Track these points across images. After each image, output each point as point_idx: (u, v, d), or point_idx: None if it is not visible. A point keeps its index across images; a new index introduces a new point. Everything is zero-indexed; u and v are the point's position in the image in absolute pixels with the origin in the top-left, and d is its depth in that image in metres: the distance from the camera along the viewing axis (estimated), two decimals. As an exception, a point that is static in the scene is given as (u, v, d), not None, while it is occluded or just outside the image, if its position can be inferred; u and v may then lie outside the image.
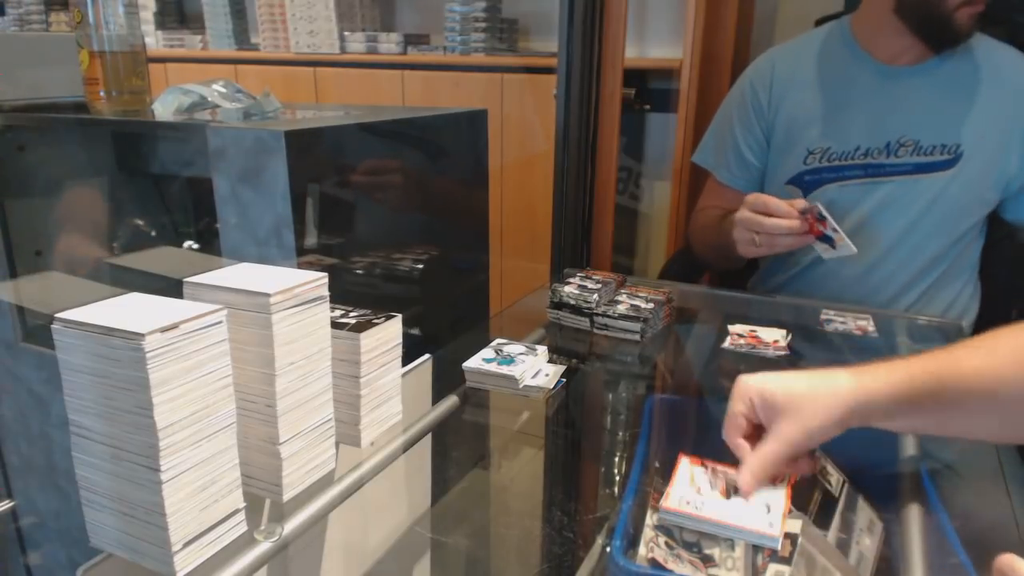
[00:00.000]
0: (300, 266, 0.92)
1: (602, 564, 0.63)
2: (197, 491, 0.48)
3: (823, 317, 1.10)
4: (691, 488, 0.58)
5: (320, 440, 0.60)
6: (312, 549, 0.64)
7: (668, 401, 0.87)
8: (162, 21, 3.13)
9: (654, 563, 0.54)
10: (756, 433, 0.61)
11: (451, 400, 0.83)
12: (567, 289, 1.08)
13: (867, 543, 0.60)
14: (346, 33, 2.60)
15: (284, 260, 0.93)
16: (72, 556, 1.32)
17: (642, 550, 0.56)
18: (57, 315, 0.46)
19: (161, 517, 0.46)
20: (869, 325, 1.07)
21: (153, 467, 0.46)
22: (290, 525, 0.58)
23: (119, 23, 1.10)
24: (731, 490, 0.58)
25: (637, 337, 1.02)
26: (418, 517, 0.79)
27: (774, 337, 1.01)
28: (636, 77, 2.19)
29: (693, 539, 0.55)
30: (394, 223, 1.15)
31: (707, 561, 0.54)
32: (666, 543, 0.55)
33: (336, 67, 2.56)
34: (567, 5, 1.31)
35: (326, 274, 0.57)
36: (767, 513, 0.55)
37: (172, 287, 0.55)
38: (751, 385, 0.61)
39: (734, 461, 0.60)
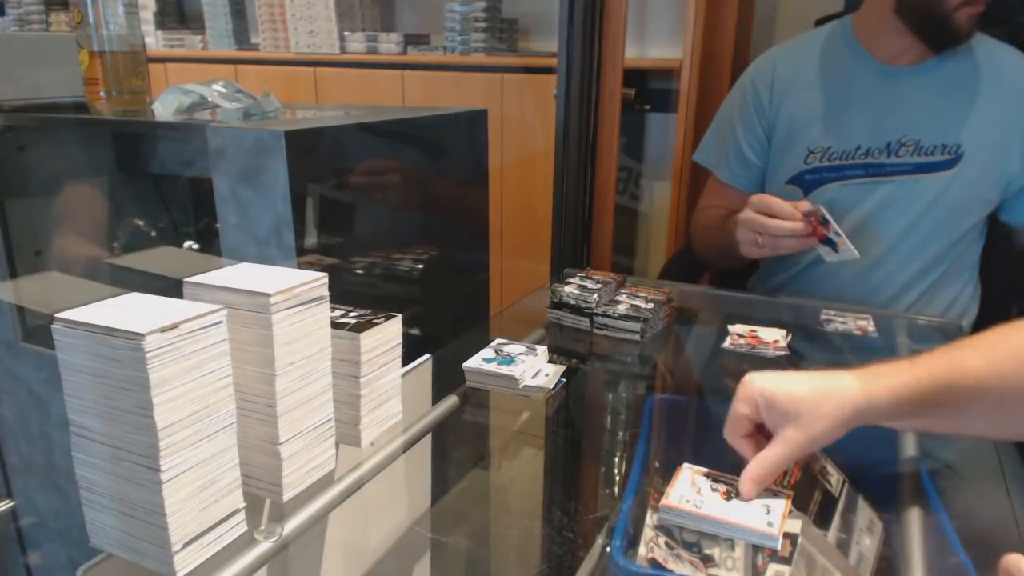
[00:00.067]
0: (300, 266, 0.92)
1: (602, 564, 0.63)
2: (197, 491, 0.48)
3: (823, 317, 1.10)
4: (691, 488, 0.58)
5: (320, 440, 0.60)
6: (312, 549, 0.64)
7: (668, 401, 0.87)
8: (162, 21, 3.13)
9: (654, 563, 0.54)
10: (758, 433, 0.61)
11: (451, 400, 0.83)
12: (567, 289, 1.08)
13: (867, 543, 0.60)
14: (346, 33, 2.60)
15: (284, 260, 0.93)
16: (72, 556, 1.32)
17: (642, 550, 0.56)
18: (57, 315, 0.46)
19: (161, 517, 0.46)
20: (869, 325, 1.07)
21: (153, 467, 0.46)
22: (290, 525, 0.58)
23: (119, 23, 1.10)
24: (732, 493, 0.58)
25: (637, 337, 1.02)
26: (418, 517, 0.79)
27: (774, 337, 1.01)
28: (636, 77, 2.19)
29: (693, 539, 0.55)
30: (394, 223, 1.15)
31: (707, 561, 0.54)
32: (666, 543, 0.55)
33: (336, 67, 2.56)
34: (567, 5, 1.31)
35: (326, 274, 0.57)
36: (767, 513, 0.55)
37: (172, 287, 0.55)
38: (756, 387, 0.60)
39: (735, 465, 0.60)
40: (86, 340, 0.45)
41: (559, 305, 1.07)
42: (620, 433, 0.90)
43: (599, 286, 1.09)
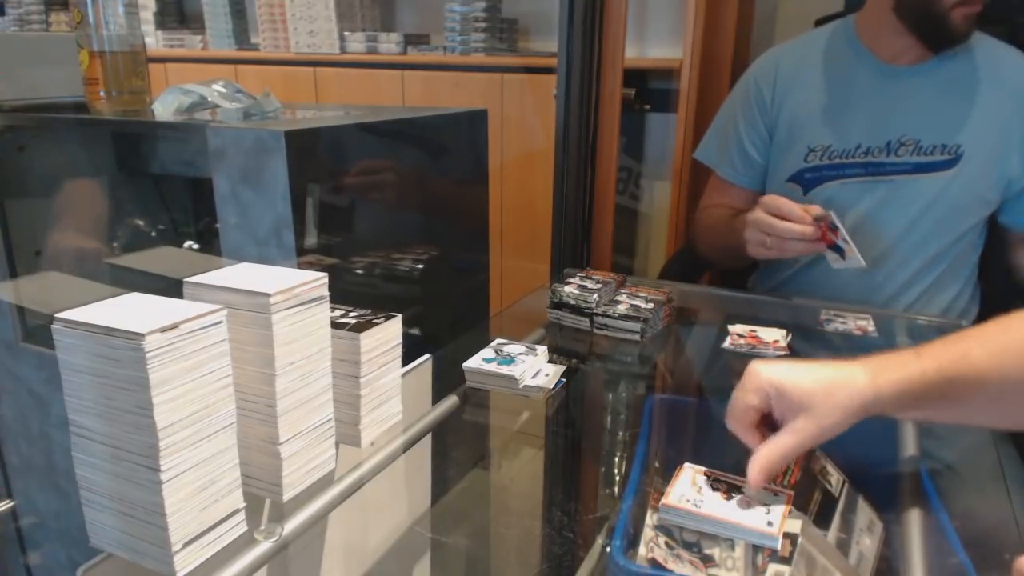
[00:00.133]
0: (300, 266, 0.92)
1: (602, 564, 0.63)
2: (197, 491, 0.48)
3: (823, 317, 1.10)
4: (692, 488, 0.58)
5: (320, 440, 0.60)
6: (312, 549, 0.64)
7: (668, 401, 0.87)
8: (162, 21, 3.13)
9: (654, 563, 0.54)
10: (762, 423, 0.61)
11: (451, 400, 0.83)
12: (567, 289, 1.08)
13: (867, 543, 0.60)
14: (346, 33, 2.60)
15: (284, 260, 0.93)
16: (72, 556, 1.32)
17: (642, 550, 0.56)
18: (57, 315, 0.46)
19: (161, 517, 0.46)
20: (869, 325, 1.07)
21: (153, 467, 0.46)
22: (290, 525, 0.58)
23: (119, 23, 1.10)
24: (732, 493, 0.58)
25: (637, 337, 1.02)
26: (418, 517, 0.79)
27: (774, 337, 1.01)
28: (636, 77, 2.19)
29: (693, 539, 0.55)
30: (394, 223, 1.15)
31: (707, 561, 0.54)
32: (666, 543, 0.55)
33: (336, 67, 2.56)
34: (567, 5, 1.31)
35: (326, 274, 0.57)
36: (767, 513, 0.55)
37: (172, 287, 0.55)
38: (765, 378, 0.60)
39: (735, 465, 0.60)
40: (86, 340, 0.45)
41: (559, 305, 1.07)
42: (620, 433, 0.90)
43: (599, 286, 1.09)
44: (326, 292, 0.57)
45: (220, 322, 0.48)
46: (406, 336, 0.67)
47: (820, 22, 1.44)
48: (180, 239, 1.34)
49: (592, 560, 0.64)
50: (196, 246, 1.32)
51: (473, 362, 0.88)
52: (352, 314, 0.65)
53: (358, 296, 1.09)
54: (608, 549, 0.63)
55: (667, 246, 2.09)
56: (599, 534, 0.68)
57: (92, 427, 0.48)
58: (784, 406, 0.59)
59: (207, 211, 1.29)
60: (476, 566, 0.72)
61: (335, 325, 0.61)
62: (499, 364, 0.87)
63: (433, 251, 1.20)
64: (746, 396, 0.60)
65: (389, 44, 2.55)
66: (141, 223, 1.31)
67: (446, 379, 0.84)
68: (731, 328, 1.04)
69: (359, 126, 1.05)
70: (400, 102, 2.43)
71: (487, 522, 0.79)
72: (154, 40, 3.04)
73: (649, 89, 2.25)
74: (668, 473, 0.61)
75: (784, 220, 1.04)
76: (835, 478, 0.62)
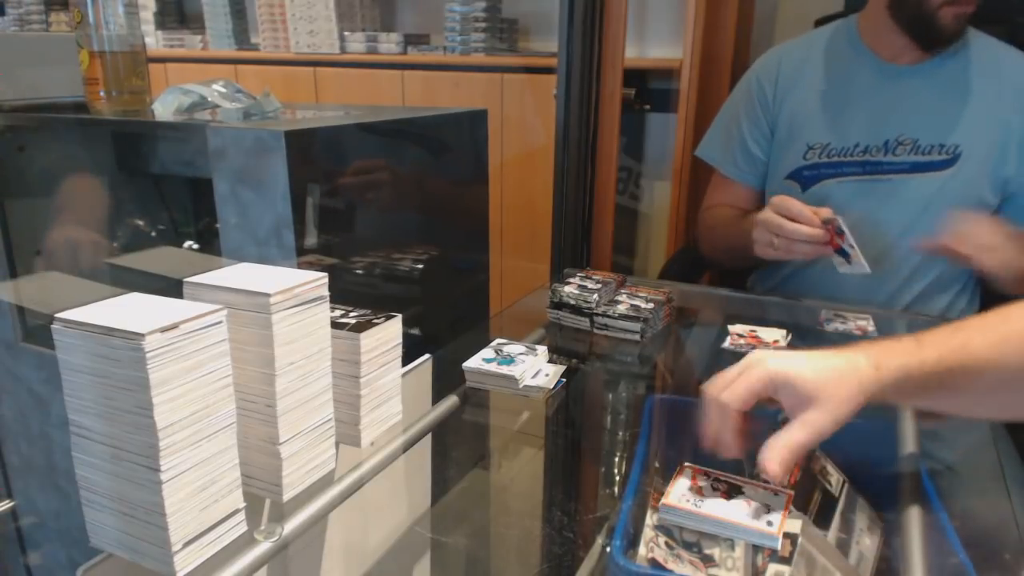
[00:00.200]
0: (300, 266, 0.92)
1: (602, 564, 0.63)
2: (197, 491, 0.48)
3: (823, 317, 1.10)
4: (691, 488, 0.58)
5: (320, 440, 0.60)
6: (312, 549, 0.64)
7: (668, 401, 0.87)
8: (162, 21, 3.13)
9: (654, 563, 0.54)
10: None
11: (451, 400, 0.83)
12: (567, 289, 1.08)
13: (867, 543, 0.60)
14: (346, 33, 2.60)
15: (284, 260, 0.93)
16: (72, 556, 1.32)
17: (642, 550, 0.56)
18: (57, 315, 0.46)
19: (161, 517, 0.46)
20: (869, 325, 1.07)
21: (153, 467, 0.46)
22: (290, 525, 0.58)
23: (119, 23, 1.10)
24: (732, 493, 0.58)
25: (637, 337, 1.02)
26: (418, 517, 0.79)
27: (774, 337, 1.01)
28: (636, 77, 2.19)
29: (693, 539, 0.55)
30: (394, 223, 1.15)
31: (707, 561, 0.54)
32: (666, 543, 0.55)
33: (336, 67, 2.56)
34: (567, 5, 1.31)
35: (326, 274, 0.57)
36: (767, 513, 0.55)
37: (172, 287, 0.55)
38: (774, 369, 0.58)
39: (736, 465, 0.60)
40: (86, 340, 0.45)
41: (559, 305, 1.07)
42: (620, 433, 0.90)
43: (599, 286, 1.09)
44: (326, 292, 0.57)
45: (220, 322, 0.48)
46: (406, 336, 0.67)
47: (820, 22, 1.44)
48: (180, 239, 1.34)
49: (592, 560, 0.64)
50: (196, 246, 1.32)
51: (473, 362, 0.88)
52: (352, 314, 0.65)
53: (358, 296, 1.09)
54: (608, 549, 0.63)
55: (667, 246, 2.09)
56: (599, 534, 0.68)
57: (92, 427, 0.48)
58: (791, 398, 0.58)
59: (207, 211, 1.29)
60: (476, 566, 0.72)
61: (335, 325, 0.61)
62: (499, 364, 0.87)
63: (433, 251, 1.20)
64: (751, 383, 0.59)
65: (389, 44, 2.55)
66: (141, 223, 1.31)
67: (446, 379, 0.84)
68: (731, 328, 1.04)
69: (359, 126, 1.05)
70: (400, 102, 2.43)
71: (487, 522, 0.79)
72: (154, 40, 3.04)
73: (649, 89, 2.25)
74: (668, 473, 0.61)
75: (793, 222, 1.04)
76: (835, 478, 0.62)
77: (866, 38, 1.20)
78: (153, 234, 1.31)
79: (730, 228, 1.26)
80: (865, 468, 0.68)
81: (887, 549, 0.61)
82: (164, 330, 0.44)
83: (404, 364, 0.70)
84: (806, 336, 1.06)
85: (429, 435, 0.78)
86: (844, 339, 1.05)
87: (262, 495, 0.57)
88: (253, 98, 1.13)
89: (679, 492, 0.57)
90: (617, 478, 0.81)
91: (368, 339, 0.62)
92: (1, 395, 1.26)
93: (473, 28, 2.37)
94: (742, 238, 1.15)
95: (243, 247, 0.96)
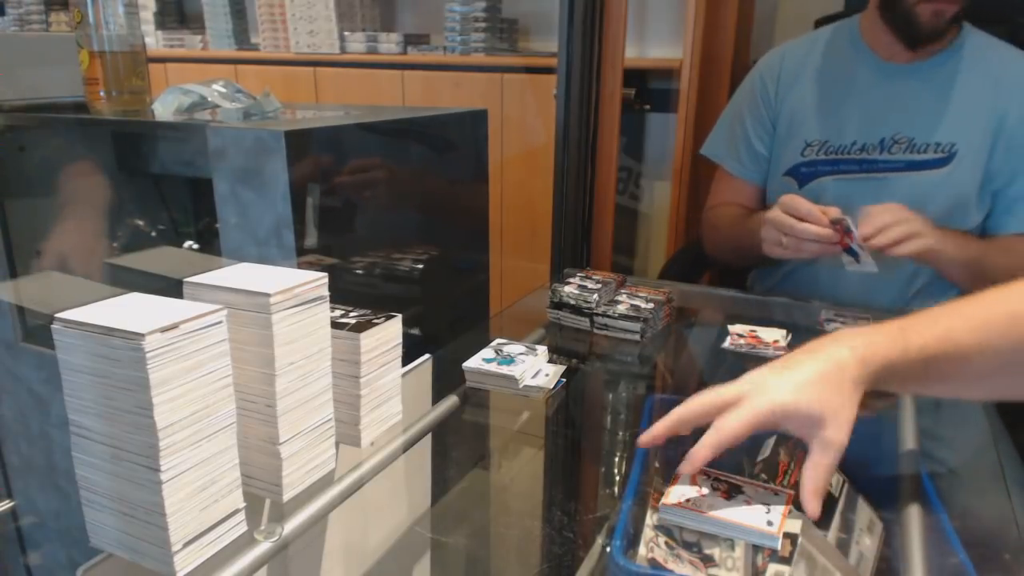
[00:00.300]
0: (300, 266, 0.92)
1: (602, 564, 0.63)
2: (197, 491, 0.48)
3: (823, 317, 1.10)
4: (692, 488, 0.58)
5: (320, 440, 0.60)
6: (312, 549, 0.64)
7: (668, 401, 0.87)
8: (162, 21, 3.13)
9: (654, 563, 0.54)
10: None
11: (451, 400, 0.83)
12: (567, 289, 1.08)
13: (867, 543, 0.60)
14: (346, 33, 2.60)
15: (284, 260, 0.93)
16: (72, 556, 1.32)
17: (642, 550, 0.56)
18: (57, 315, 0.46)
19: (161, 517, 0.46)
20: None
21: (153, 467, 0.46)
22: (290, 525, 0.58)
23: (119, 23, 1.10)
24: (732, 493, 0.57)
25: (637, 337, 1.02)
26: (418, 517, 0.79)
27: (774, 337, 1.01)
28: (636, 77, 2.19)
29: (693, 539, 0.55)
30: (394, 223, 1.15)
31: (707, 561, 0.54)
32: (666, 543, 0.55)
33: (336, 67, 2.56)
34: (567, 5, 1.31)
35: (326, 274, 0.57)
36: (767, 513, 0.55)
37: (172, 287, 0.55)
38: (770, 407, 0.56)
39: (736, 465, 0.60)
40: (86, 340, 0.45)
41: (559, 305, 1.07)
42: (620, 433, 0.90)
43: (599, 286, 1.09)
44: (326, 292, 0.57)
45: (220, 322, 0.48)
46: (406, 336, 0.67)
47: (820, 22, 1.45)
48: (180, 239, 1.34)
49: (592, 560, 0.64)
50: (196, 246, 1.32)
51: (473, 362, 0.88)
52: (352, 314, 0.65)
53: (358, 296, 1.09)
54: (608, 549, 0.63)
55: (667, 246, 2.09)
56: (599, 534, 0.68)
57: (92, 427, 0.48)
58: (798, 424, 0.57)
59: (207, 211, 1.29)
60: (476, 566, 0.72)
61: (335, 325, 0.61)
62: (499, 364, 0.87)
63: (433, 251, 1.20)
64: (754, 420, 0.56)
65: (389, 44, 2.55)
66: (141, 223, 1.31)
67: (446, 379, 0.84)
68: (731, 328, 1.04)
69: (359, 126, 1.05)
70: (400, 102, 2.43)
71: (487, 522, 0.79)
72: (154, 40, 3.04)
73: (649, 89, 2.25)
74: (668, 473, 0.61)
75: (802, 221, 1.04)
76: (835, 478, 0.62)
77: (866, 37, 1.20)
78: (153, 234, 1.31)
79: (736, 227, 1.26)
80: (865, 468, 0.68)
81: (887, 549, 0.61)
82: (164, 330, 0.44)
83: (404, 364, 0.70)
84: (806, 336, 1.05)
85: (429, 435, 0.78)
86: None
87: (262, 495, 0.57)
88: (253, 98, 1.13)
89: (679, 492, 0.57)
90: (617, 478, 0.81)
91: (368, 339, 0.62)
92: (1, 395, 1.26)
93: (473, 28, 2.38)
94: (749, 237, 1.15)
95: (243, 247, 0.96)
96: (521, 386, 0.85)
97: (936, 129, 1.15)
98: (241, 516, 0.53)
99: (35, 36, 1.93)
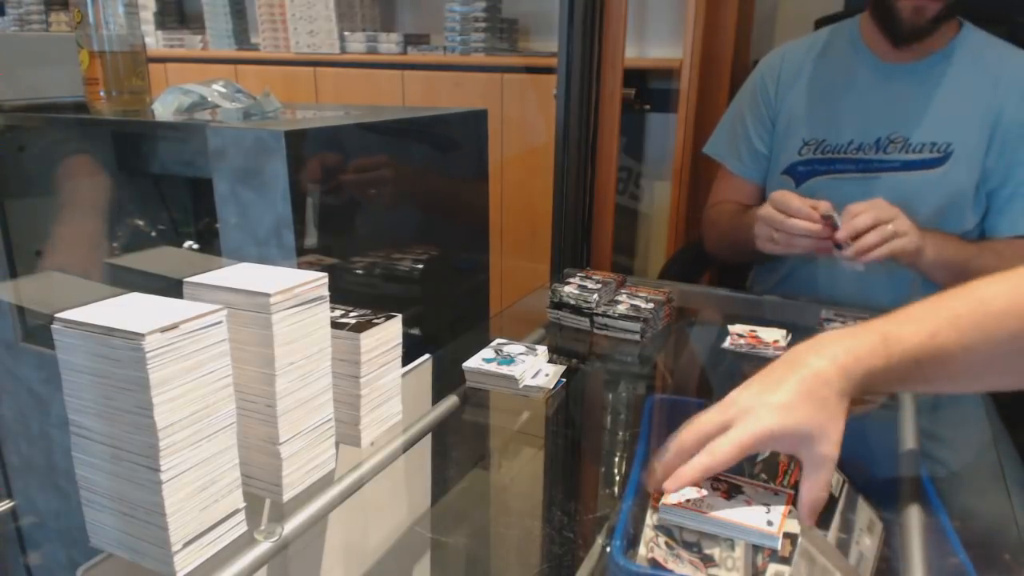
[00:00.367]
0: (300, 266, 0.92)
1: (602, 564, 0.63)
2: (197, 491, 0.48)
3: (823, 317, 1.10)
4: (692, 488, 0.58)
5: (320, 440, 0.60)
6: (312, 549, 0.64)
7: (668, 401, 0.87)
8: (162, 21, 3.14)
9: (654, 563, 0.54)
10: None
11: (451, 400, 0.83)
12: (567, 289, 1.08)
13: (867, 543, 0.60)
14: (346, 33, 2.60)
15: (284, 260, 0.93)
16: (72, 556, 1.32)
17: (642, 550, 0.56)
18: (57, 315, 0.46)
19: (161, 517, 0.46)
20: (869, 325, 1.07)
21: (153, 467, 0.46)
22: (290, 525, 0.58)
23: (119, 23, 1.10)
24: (732, 493, 0.57)
25: (637, 337, 1.02)
26: (418, 517, 0.79)
27: (774, 337, 1.01)
28: (636, 77, 2.19)
29: (693, 539, 0.55)
30: (394, 223, 1.15)
31: (707, 561, 0.54)
32: (666, 543, 0.55)
33: (336, 67, 2.56)
34: (567, 5, 1.31)
35: (326, 274, 0.57)
36: (767, 513, 0.55)
37: (172, 287, 0.55)
38: (762, 434, 0.56)
39: (735, 465, 0.60)
40: (86, 340, 0.45)
41: (559, 305, 1.07)
42: (620, 433, 0.90)
43: (599, 286, 1.09)
44: (326, 292, 0.57)
45: (220, 322, 0.48)
46: (406, 336, 0.67)
47: (820, 22, 1.45)
48: (180, 239, 1.34)
49: (592, 560, 0.64)
50: (196, 246, 1.32)
51: (473, 362, 0.88)
52: (352, 314, 0.65)
53: (358, 296, 1.09)
54: (608, 549, 0.63)
55: (667, 246, 2.09)
56: (599, 534, 0.68)
57: (92, 427, 0.48)
58: (789, 444, 0.57)
59: (207, 211, 1.29)
60: (476, 566, 0.72)
61: (335, 325, 0.61)
62: (499, 364, 0.87)
63: (433, 251, 1.20)
64: (745, 445, 0.56)
65: (389, 44, 2.55)
66: (141, 223, 1.31)
67: (446, 379, 0.84)
68: (731, 328, 1.04)
69: (359, 126, 1.05)
70: (400, 102, 2.43)
71: (487, 522, 0.79)
72: (154, 40, 3.05)
73: (649, 89, 2.25)
74: (668, 473, 0.61)
75: (793, 217, 1.05)
76: (835, 478, 0.62)
77: (866, 38, 1.21)
78: (153, 234, 1.31)
79: (732, 224, 1.27)
80: (865, 468, 0.68)
81: (887, 549, 0.61)
82: (164, 330, 0.44)
83: (404, 364, 0.70)
84: (806, 336, 1.05)
85: (429, 435, 0.78)
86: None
87: (262, 495, 0.57)
88: (253, 98, 1.13)
89: (679, 492, 0.57)
90: (617, 478, 0.81)
91: (368, 339, 0.62)
92: (1, 395, 1.26)
93: (473, 28, 2.38)
94: (744, 233, 1.15)
95: (243, 247, 0.96)
96: (521, 386, 0.85)
97: (932, 129, 1.15)
98: (241, 516, 0.53)
99: (35, 36, 1.93)
